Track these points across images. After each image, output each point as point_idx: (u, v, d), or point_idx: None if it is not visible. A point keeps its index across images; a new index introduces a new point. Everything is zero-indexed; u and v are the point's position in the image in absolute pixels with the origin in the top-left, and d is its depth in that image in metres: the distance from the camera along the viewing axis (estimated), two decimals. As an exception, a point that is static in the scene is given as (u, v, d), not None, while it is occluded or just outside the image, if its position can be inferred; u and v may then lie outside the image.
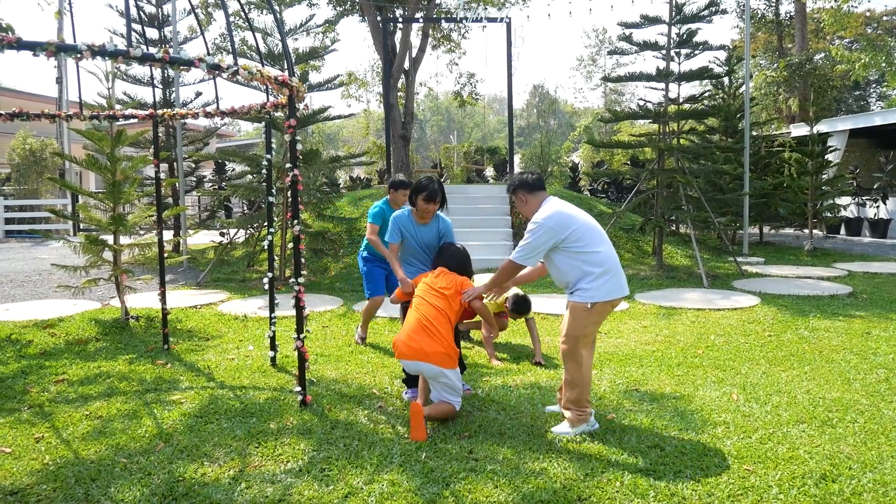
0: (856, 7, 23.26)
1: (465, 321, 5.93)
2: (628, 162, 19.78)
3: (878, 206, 15.88)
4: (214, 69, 3.74)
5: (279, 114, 6.04)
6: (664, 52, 10.33)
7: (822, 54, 25.05)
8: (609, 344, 5.88)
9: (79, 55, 3.34)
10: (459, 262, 4.33)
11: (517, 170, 24.21)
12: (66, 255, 12.42)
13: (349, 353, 5.66)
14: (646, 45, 10.43)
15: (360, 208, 12.57)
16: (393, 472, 3.29)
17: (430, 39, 19.16)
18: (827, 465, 3.31)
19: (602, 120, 12.58)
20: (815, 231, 14.20)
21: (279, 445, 3.64)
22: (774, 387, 4.59)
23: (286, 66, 4.48)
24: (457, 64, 32.28)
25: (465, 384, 4.54)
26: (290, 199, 4.43)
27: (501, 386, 4.68)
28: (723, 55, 13.92)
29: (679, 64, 10.59)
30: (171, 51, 3.59)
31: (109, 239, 7.03)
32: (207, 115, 5.82)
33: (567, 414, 3.79)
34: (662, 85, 10.51)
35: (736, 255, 11.02)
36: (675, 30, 10.33)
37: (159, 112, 5.61)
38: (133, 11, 8.46)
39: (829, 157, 15.14)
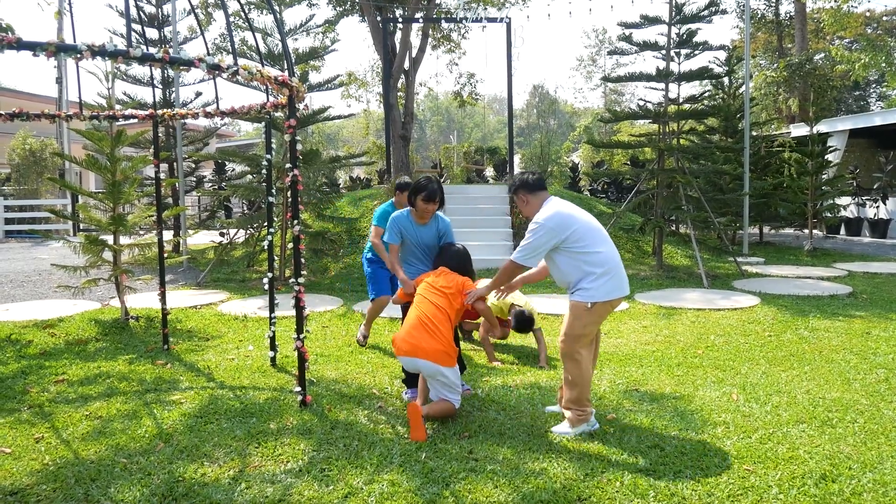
0: (856, 7, 23.28)
1: (467, 320, 5.94)
2: (628, 162, 19.78)
3: (877, 207, 15.88)
4: (214, 69, 3.74)
5: (279, 114, 6.04)
6: (664, 52, 10.33)
7: (822, 54, 25.05)
8: (609, 344, 5.88)
9: (79, 55, 3.34)
10: (460, 262, 4.33)
11: (517, 170, 24.22)
12: (66, 255, 12.42)
13: (349, 354, 5.66)
14: (646, 46, 10.43)
15: (359, 208, 12.57)
16: (393, 473, 3.29)
17: (430, 39, 19.16)
18: (827, 465, 3.31)
19: (602, 120, 12.59)
20: (815, 231, 14.20)
21: (279, 445, 3.64)
22: (774, 387, 4.59)
23: (286, 67, 4.48)
24: (457, 64, 32.29)
25: (466, 384, 4.54)
26: (290, 199, 4.43)
27: (501, 386, 4.68)
28: (723, 55, 13.93)
29: (679, 64, 10.59)
30: (170, 51, 3.59)
31: (109, 239, 7.03)
32: (207, 115, 5.82)
33: (567, 414, 3.79)
34: (662, 85, 10.51)
35: (736, 255, 11.02)
36: (674, 30, 10.34)
37: (159, 112, 5.61)
38: (133, 12, 8.46)
39: (829, 157, 15.14)
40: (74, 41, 3.40)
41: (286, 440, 3.72)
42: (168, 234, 13.19)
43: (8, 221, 17.93)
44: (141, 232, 9.88)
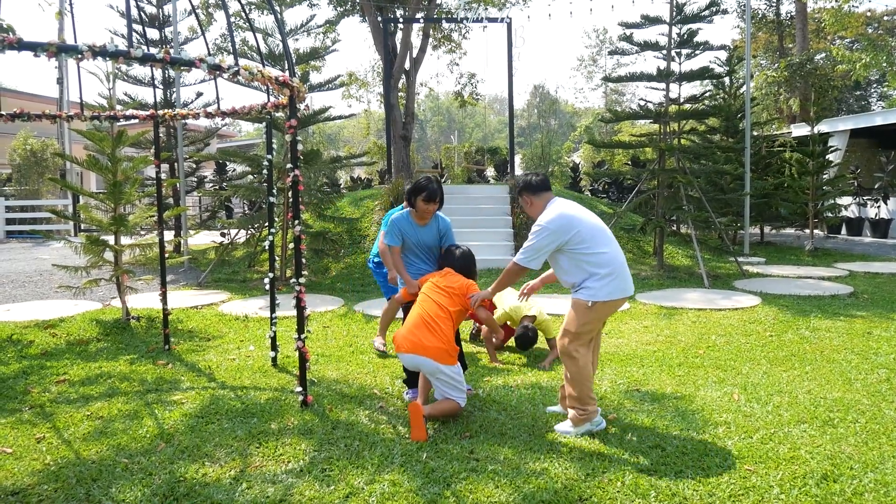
0: (856, 7, 23.26)
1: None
2: (629, 162, 19.77)
3: (879, 206, 15.87)
4: (215, 69, 3.75)
5: (280, 114, 6.04)
6: (665, 52, 10.33)
7: (823, 54, 25.03)
8: (610, 344, 5.88)
9: (80, 56, 3.34)
10: (465, 264, 4.35)
11: (518, 170, 24.25)
12: (67, 255, 12.43)
13: (350, 354, 5.66)
14: (646, 46, 10.42)
15: (360, 209, 12.57)
16: (394, 473, 3.29)
17: (430, 40, 19.15)
18: (828, 466, 3.31)
19: (603, 120, 12.59)
20: (816, 231, 14.19)
21: (280, 446, 3.64)
22: (775, 387, 4.59)
23: (287, 67, 4.48)
24: (457, 64, 32.37)
25: (467, 384, 4.54)
26: (290, 200, 4.43)
27: (502, 386, 4.68)
28: (723, 55, 13.91)
29: (680, 64, 10.59)
30: (171, 51, 3.59)
31: (110, 239, 7.04)
32: (208, 115, 5.82)
33: (570, 413, 3.80)
34: (663, 85, 10.51)
35: (737, 255, 11.00)
36: (675, 30, 10.33)
37: (160, 112, 5.61)
38: (134, 12, 8.46)
39: (830, 157, 15.12)
40: (75, 42, 3.40)
41: (287, 440, 3.72)
42: (169, 235, 13.21)
43: (9, 222, 17.94)
44: (142, 232, 9.88)
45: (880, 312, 7.05)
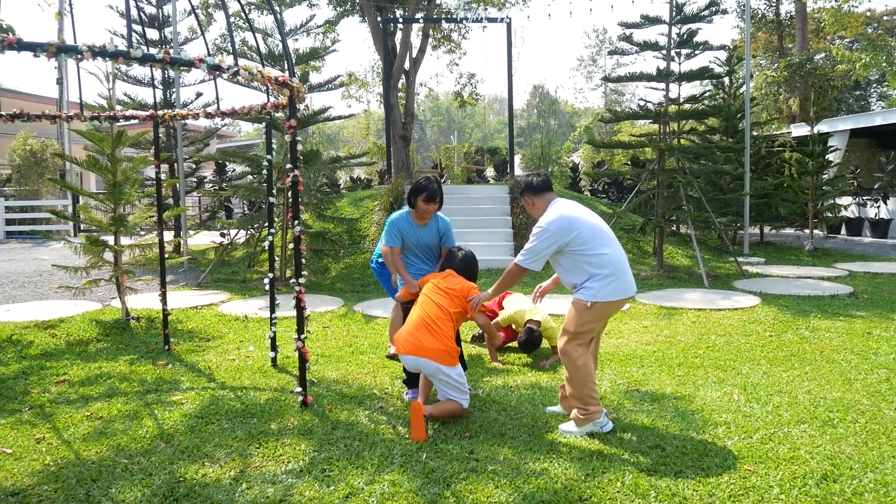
0: (856, 7, 23.28)
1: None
2: (629, 162, 19.78)
3: (878, 206, 15.87)
4: (215, 70, 3.75)
5: (279, 114, 6.04)
6: (664, 52, 10.33)
7: (823, 54, 25.04)
8: (610, 344, 5.88)
9: (79, 56, 3.34)
10: (466, 267, 4.36)
11: (517, 170, 24.25)
12: (67, 255, 12.43)
13: (350, 354, 5.66)
14: (646, 46, 10.42)
15: (360, 209, 12.57)
16: (394, 473, 3.29)
17: (430, 40, 19.16)
18: (828, 466, 3.31)
19: (602, 120, 12.59)
20: (815, 231, 14.19)
21: (280, 446, 3.64)
22: (775, 387, 4.59)
23: (286, 67, 4.48)
24: (457, 64, 32.36)
25: (467, 384, 4.54)
26: (290, 200, 4.43)
27: (502, 386, 4.68)
28: (723, 55, 13.91)
29: (679, 64, 10.59)
30: (171, 51, 3.59)
31: (110, 240, 7.04)
32: (208, 115, 5.82)
33: (573, 413, 3.80)
34: (663, 85, 10.51)
35: (736, 255, 11.01)
36: (675, 30, 10.33)
37: (160, 113, 5.61)
38: (133, 12, 8.46)
39: (830, 157, 15.12)
40: (75, 42, 3.40)
41: (287, 440, 3.72)
42: (169, 235, 13.20)
43: (9, 222, 17.94)
44: (142, 232, 9.88)
45: (880, 312, 7.05)
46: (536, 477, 3.22)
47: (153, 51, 3.56)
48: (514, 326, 5.64)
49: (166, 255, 6.27)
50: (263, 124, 6.31)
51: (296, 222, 4.39)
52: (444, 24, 19.99)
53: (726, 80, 14.23)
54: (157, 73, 12.40)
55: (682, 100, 10.89)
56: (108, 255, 7.12)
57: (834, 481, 3.15)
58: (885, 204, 15.82)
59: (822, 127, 15.65)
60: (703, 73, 10.59)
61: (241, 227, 10.46)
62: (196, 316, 7.35)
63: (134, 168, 6.96)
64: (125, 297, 6.97)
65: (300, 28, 11.12)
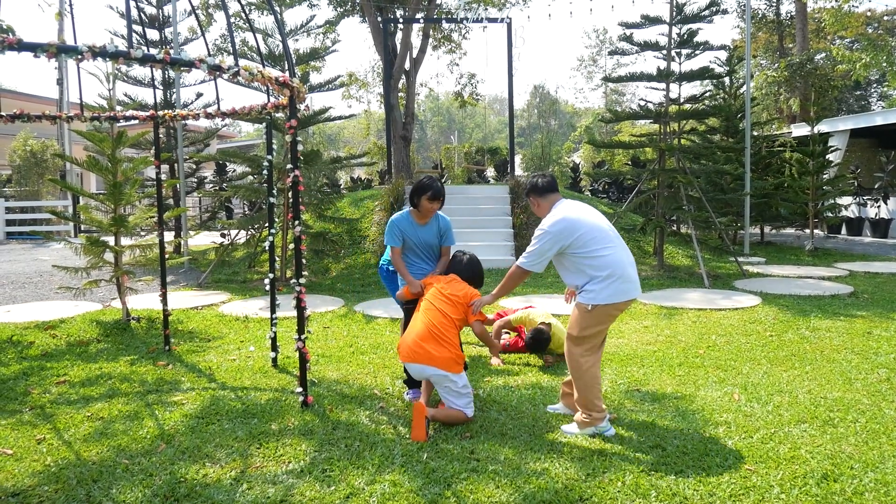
0: (856, 7, 23.28)
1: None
2: (629, 162, 19.77)
3: (879, 206, 15.87)
4: (215, 70, 3.75)
5: (280, 114, 6.04)
6: (665, 52, 10.33)
7: (823, 54, 25.04)
8: (610, 344, 5.88)
9: (80, 56, 3.34)
10: (471, 273, 4.38)
11: (518, 170, 24.25)
12: (67, 256, 12.43)
13: (350, 354, 5.66)
14: (646, 46, 10.42)
15: (360, 209, 12.58)
16: (394, 473, 3.29)
17: (430, 40, 19.17)
18: (829, 465, 3.31)
19: (603, 120, 12.59)
20: (816, 231, 14.18)
21: (281, 446, 3.64)
22: (776, 386, 4.59)
23: (287, 67, 4.48)
24: (457, 64, 32.38)
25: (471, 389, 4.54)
26: (290, 200, 4.43)
27: (503, 386, 4.68)
28: (723, 55, 13.92)
29: (680, 64, 10.59)
30: (171, 52, 3.59)
31: (110, 240, 7.04)
32: (208, 115, 5.82)
33: (576, 415, 3.81)
34: (663, 85, 10.51)
35: (737, 255, 11.01)
36: (675, 30, 10.33)
37: (160, 113, 5.61)
38: (134, 13, 8.47)
39: (830, 156, 15.12)
40: (75, 42, 3.40)
41: (288, 441, 3.72)
42: (169, 235, 13.22)
43: (9, 223, 17.95)
44: (142, 233, 9.88)
45: (880, 312, 7.05)
46: (537, 477, 3.22)
47: (153, 51, 3.56)
48: (524, 327, 5.64)
49: (167, 256, 6.27)
50: (264, 124, 6.31)
51: (296, 222, 4.39)
52: (445, 25, 20.00)
53: (727, 80, 14.23)
54: (158, 74, 12.41)
55: (682, 100, 10.90)
56: (109, 256, 7.12)
57: (834, 481, 3.15)
58: (886, 204, 15.82)
59: (823, 127, 15.64)
60: (703, 73, 10.59)
61: (241, 227, 10.46)
62: (196, 316, 7.36)
63: (134, 168, 6.96)
64: (126, 297, 6.97)
65: (300, 28, 11.12)
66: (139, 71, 12.95)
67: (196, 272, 10.86)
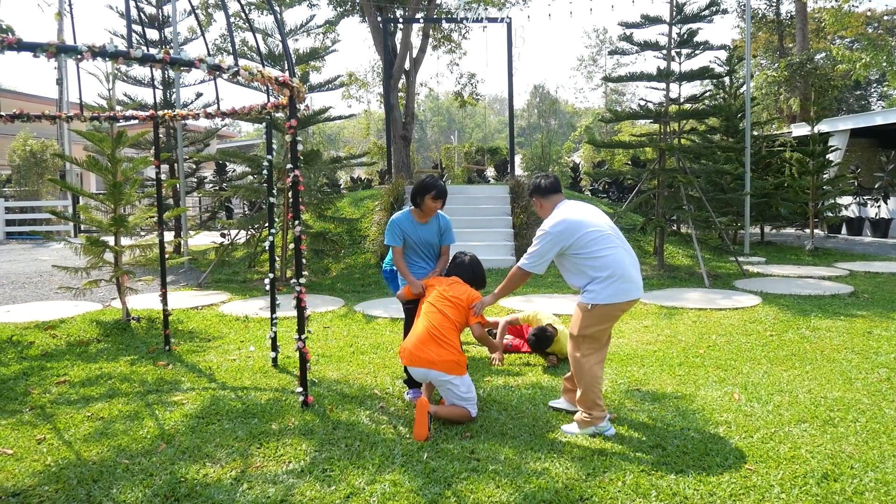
0: (856, 7, 23.28)
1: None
2: (629, 162, 19.77)
3: (879, 206, 15.87)
4: (215, 70, 3.75)
5: (280, 114, 6.04)
6: (665, 51, 10.33)
7: (823, 54, 25.04)
8: (611, 343, 5.82)
9: (79, 56, 3.34)
10: (473, 274, 4.40)
11: (518, 170, 24.25)
12: (67, 256, 12.43)
13: (350, 354, 5.66)
14: (646, 45, 10.42)
15: (360, 209, 12.58)
16: (395, 473, 3.29)
17: (430, 40, 19.17)
18: (829, 465, 3.30)
19: (603, 120, 12.59)
20: (816, 231, 14.18)
21: (281, 446, 3.64)
22: (776, 386, 4.59)
23: (287, 67, 4.48)
24: (457, 64, 32.36)
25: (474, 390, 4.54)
26: (290, 200, 4.43)
27: (503, 386, 4.68)
28: (723, 55, 13.91)
29: (680, 64, 10.59)
30: (171, 52, 3.59)
31: (110, 240, 7.04)
32: (208, 115, 5.82)
33: (576, 416, 3.81)
34: (663, 85, 10.51)
35: (737, 254, 11.01)
36: (675, 29, 10.33)
37: (160, 113, 5.61)
38: (133, 12, 8.46)
39: (831, 156, 15.13)
40: (75, 42, 3.40)
41: (288, 441, 3.72)
42: (169, 235, 13.22)
43: (9, 223, 17.94)
44: (142, 233, 9.88)
45: (881, 312, 7.05)
46: (537, 476, 3.22)
47: (153, 51, 3.56)
48: (531, 326, 5.62)
49: (167, 256, 6.27)
50: (263, 124, 6.31)
51: (296, 222, 4.39)
52: (445, 24, 20.00)
53: (727, 79, 14.23)
54: (157, 74, 12.41)
55: (682, 99, 10.89)
56: (109, 256, 7.12)
57: (835, 480, 3.15)
58: (886, 203, 15.82)
59: (823, 127, 15.64)
60: (703, 73, 10.58)
61: (241, 227, 10.46)
62: (197, 316, 7.36)
63: (134, 168, 6.96)
64: (126, 297, 6.97)
65: (300, 28, 11.12)
66: (139, 71, 12.96)
67: (196, 272, 10.86)
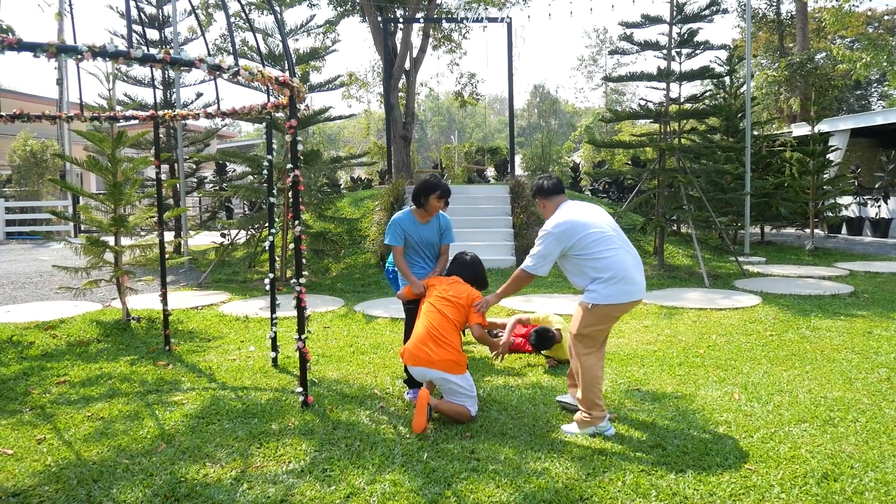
0: (857, 6, 23.25)
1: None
2: (629, 162, 19.77)
3: (879, 206, 15.87)
4: (215, 70, 3.75)
5: (280, 114, 6.04)
6: (665, 51, 10.33)
7: (824, 54, 25.03)
8: (611, 343, 5.88)
9: (79, 56, 3.34)
10: (474, 274, 4.41)
11: (518, 170, 24.25)
12: (67, 256, 12.43)
13: (350, 354, 5.66)
14: (647, 45, 10.42)
15: (360, 209, 12.57)
16: (395, 473, 3.29)
17: (430, 40, 19.17)
18: (829, 465, 3.30)
19: (603, 120, 12.59)
20: (816, 230, 14.18)
21: (281, 446, 3.64)
22: (776, 386, 4.59)
23: (287, 67, 4.48)
24: (457, 64, 32.36)
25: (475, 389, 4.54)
26: (290, 200, 4.43)
27: (503, 386, 4.68)
28: (724, 55, 13.91)
29: (680, 63, 10.58)
30: (171, 52, 3.59)
31: (110, 240, 7.04)
32: (208, 115, 5.82)
33: (576, 415, 3.81)
34: (663, 85, 10.51)
35: (737, 254, 11.01)
36: (676, 29, 10.33)
37: (160, 113, 5.61)
38: (133, 12, 8.46)
39: (831, 156, 15.12)
40: (75, 42, 3.40)
41: (288, 440, 3.72)
42: (169, 235, 13.22)
43: (9, 223, 17.95)
44: (142, 233, 9.88)
45: (881, 312, 7.05)
46: (537, 476, 3.22)
47: (153, 51, 3.56)
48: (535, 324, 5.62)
49: (167, 256, 6.27)
50: (264, 124, 6.31)
51: (296, 222, 4.39)
52: (445, 24, 20.00)
53: (727, 79, 14.23)
54: (158, 74, 12.41)
55: (682, 99, 10.89)
56: (109, 256, 7.12)
57: (835, 480, 3.15)
58: (886, 203, 15.82)
59: (823, 126, 15.64)
60: (703, 73, 10.58)
61: (241, 227, 10.46)
62: (197, 316, 7.36)
63: (134, 168, 6.96)
64: (126, 297, 6.97)
65: (300, 28, 11.12)
66: (139, 71, 12.96)
67: (196, 272, 10.86)
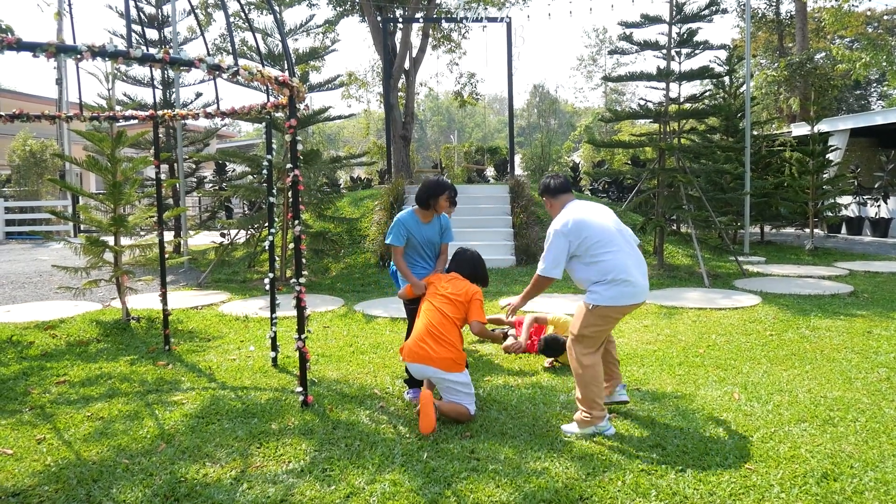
0: (856, 6, 23.27)
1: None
2: (629, 161, 19.78)
3: (879, 206, 15.87)
4: (215, 69, 3.74)
5: (279, 114, 6.04)
6: (665, 51, 10.32)
7: (823, 53, 25.05)
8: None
9: (79, 56, 3.34)
10: (473, 269, 4.41)
11: (518, 170, 24.24)
12: (67, 256, 12.43)
13: (350, 354, 5.66)
14: (646, 45, 10.42)
15: (360, 209, 12.57)
16: (394, 472, 3.29)
17: (430, 39, 19.17)
18: (828, 464, 3.30)
19: (603, 119, 12.59)
20: (816, 230, 14.18)
21: (281, 446, 3.64)
22: (776, 386, 4.59)
23: (286, 67, 4.48)
24: (457, 64, 32.30)
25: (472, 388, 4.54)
26: (290, 200, 4.43)
27: (503, 386, 4.68)
28: (723, 54, 13.90)
29: (679, 63, 10.58)
30: (171, 51, 3.59)
31: (110, 240, 7.04)
32: (208, 115, 5.81)
33: (576, 415, 3.81)
34: (663, 84, 10.50)
35: (737, 254, 11.01)
36: (675, 29, 10.33)
37: (160, 113, 5.61)
38: (133, 12, 8.46)
39: (830, 156, 15.13)
40: (74, 42, 3.40)
41: (288, 440, 3.72)
42: (169, 235, 13.21)
43: (9, 223, 17.94)
44: (142, 233, 9.88)
45: (880, 311, 7.05)
46: (537, 476, 3.22)
47: (153, 51, 3.55)
48: (555, 329, 5.60)
49: (166, 256, 6.27)
50: (263, 124, 6.31)
51: (296, 222, 4.39)
52: (444, 24, 20.00)
53: (726, 79, 14.23)
54: (157, 74, 12.41)
55: (682, 99, 10.89)
56: (109, 256, 7.12)
57: (834, 480, 3.15)
58: (886, 203, 15.82)
59: (823, 126, 15.64)
60: (703, 73, 10.58)
61: (241, 227, 10.46)
62: (196, 316, 7.36)
63: (134, 168, 6.95)
64: (125, 297, 6.97)
65: (300, 28, 11.12)
66: (138, 71, 12.95)
67: (196, 272, 10.86)
